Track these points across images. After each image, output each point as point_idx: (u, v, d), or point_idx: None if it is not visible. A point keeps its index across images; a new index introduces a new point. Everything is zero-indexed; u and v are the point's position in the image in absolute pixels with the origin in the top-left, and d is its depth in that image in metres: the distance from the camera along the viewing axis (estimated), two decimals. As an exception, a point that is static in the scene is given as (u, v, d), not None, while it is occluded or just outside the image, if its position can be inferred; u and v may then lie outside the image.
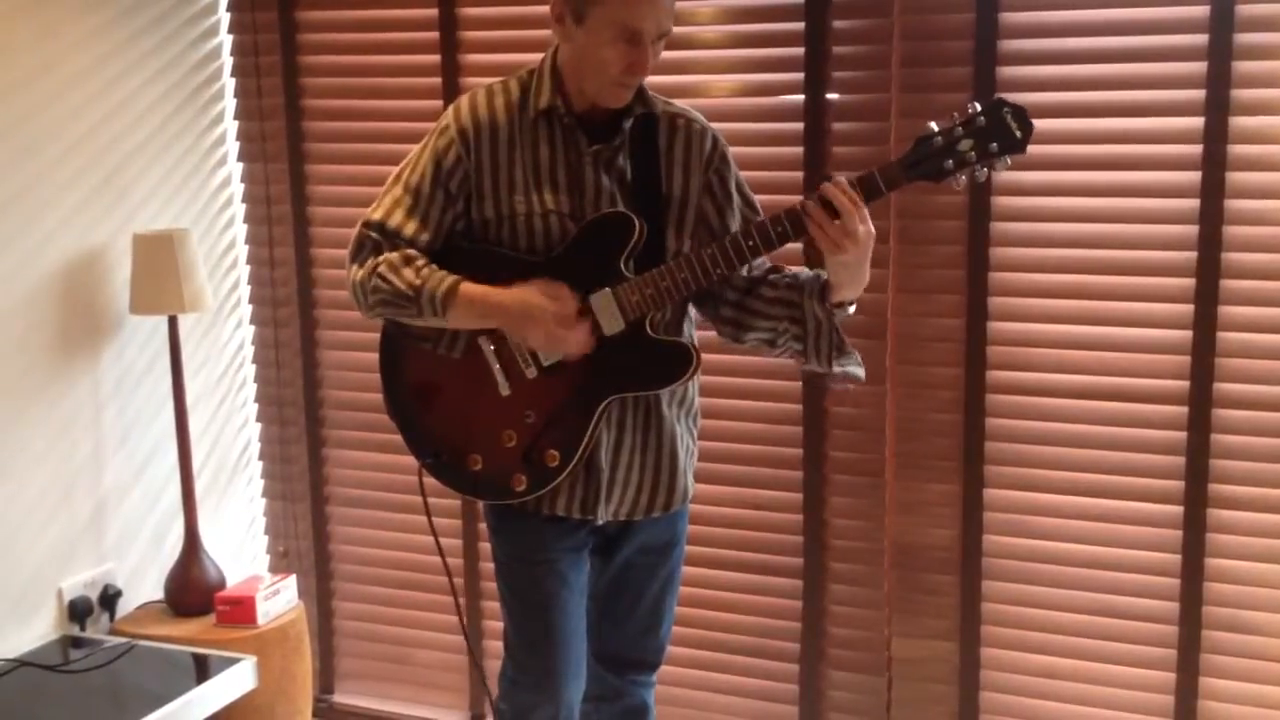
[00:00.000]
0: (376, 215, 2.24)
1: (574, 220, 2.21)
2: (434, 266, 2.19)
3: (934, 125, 2.11)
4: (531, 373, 2.24)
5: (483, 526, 3.29)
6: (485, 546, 3.31)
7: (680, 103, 2.31)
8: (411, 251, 2.21)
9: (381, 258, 2.21)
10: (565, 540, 2.34)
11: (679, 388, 2.30)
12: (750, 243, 2.15)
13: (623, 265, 2.18)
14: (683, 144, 2.25)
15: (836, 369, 2.24)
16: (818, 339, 2.23)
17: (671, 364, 2.22)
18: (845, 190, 2.08)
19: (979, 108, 2.09)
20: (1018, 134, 2.08)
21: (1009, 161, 2.11)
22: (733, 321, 2.32)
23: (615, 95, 2.17)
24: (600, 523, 2.33)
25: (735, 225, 2.28)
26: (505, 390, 2.26)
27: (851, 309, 2.22)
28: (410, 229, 2.22)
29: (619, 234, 2.18)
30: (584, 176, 2.21)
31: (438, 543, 2.47)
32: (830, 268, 2.15)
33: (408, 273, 2.18)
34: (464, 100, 2.25)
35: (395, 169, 2.29)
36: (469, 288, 2.16)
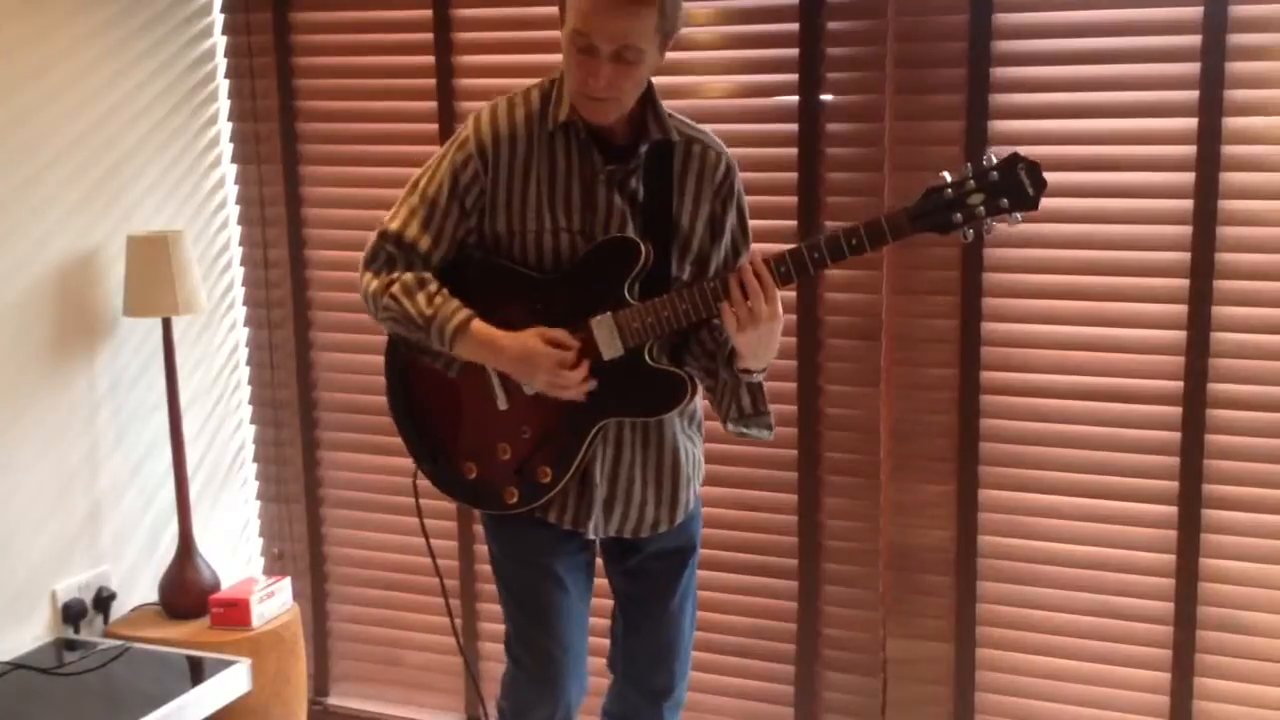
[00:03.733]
0: (393, 226, 2.24)
1: (584, 237, 2.21)
2: (446, 294, 2.20)
3: (947, 175, 2.09)
4: (530, 389, 2.24)
5: (479, 529, 3.29)
6: (481, 549, 3.31)
7: (673, 105, 2.31)
8: (426, 275, 2.22)
9: (396, 276, 2.21)
10: (561, 545, 2.35)
11: (673, 416, 2.30)
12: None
13: (627, 290, 2.18)
14: (696, 171, 2.25)
15: (730, 428, 2.31)
16: (722, 397, 2.30)
17: (667, 392, 2.23)
18: (759, 273, 2.10)
19: (993, 160, 2.07)
20: (1030, 191, 2.06)
21: (1019, 217, 2.09)
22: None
23: (586, 109, 2.15)
24: (591, 537, 2.33)
25: (718, 259, 2.29)
26: (503, 404, 2.27)
27: (760, 377, 2.24)
28: (425, 243, 2.23)
29: (626, 259, 2.18)
30: (596, 194, 2.20)
31: (429, 547, 2.49)
32: (733, 339, 2.16)
33: (421, 299, 2.19)
34: (485, 111, 2.24)
35: (413, 175, 2.28)
36: (478, 327, 2.18)
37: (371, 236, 2.27)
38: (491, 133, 2.21)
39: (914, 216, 2.10)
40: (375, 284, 2.23)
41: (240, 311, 3.54)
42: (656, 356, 2.24)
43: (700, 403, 2.40)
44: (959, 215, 2.08)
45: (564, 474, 2.24)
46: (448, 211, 2.23)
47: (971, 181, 2.08)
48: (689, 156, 2.24)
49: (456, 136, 2.26)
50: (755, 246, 2.32)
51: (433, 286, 2.21)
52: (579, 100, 2.14)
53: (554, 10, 2.15)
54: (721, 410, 2.31)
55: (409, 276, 2.21)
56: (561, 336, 2.17)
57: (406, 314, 2.20)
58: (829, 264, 2.13)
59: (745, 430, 2.30)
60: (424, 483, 2.39)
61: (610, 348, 2.18)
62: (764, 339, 2.14)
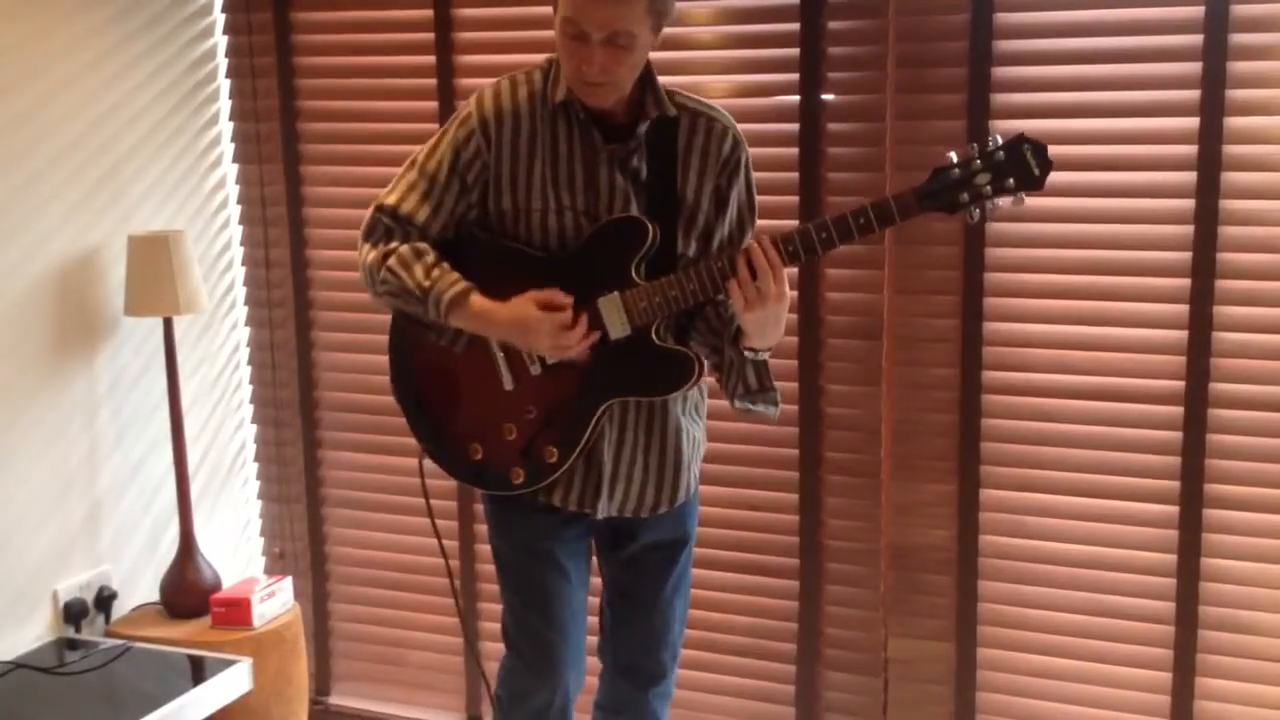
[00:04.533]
0: (390, 199, 2.25)
1: (589, 217, 2.21)
2: (445, 266, 2.20)
3: (953, 156, 2.11)
4: (535, 369, 2.25)
5: (480, 528, 3.29)
6: (481, 548, 3.31)
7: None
8: (422, 245, 2.21)
9: (394, 247, 2.21)
10: (562, 530, 2.35)
11: (679, 395, 2.31)
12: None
13: (633, 270, 2.18)
14: (700, 146, 2.24)
15: (737, 404, 2.31)
16: (728, 374, 2.30)
17: (674, 371, 2.23)
18: (767, 252, 2.11)
19: (999, 141, 2.09)
20: (1036, 171, 2.08)
21: (1024, 198, 2.10)
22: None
23: (582, 93, 2.15)
24: (599, 517, 2.33)
25: (722, 233, 2.29)
26: (509, 384, 2.27)
27: (765, 355, 2.25)
28: (422, 216, 2.22)
29: (633, 238, 2.18)
30: (598, 174, 2.21)
31: (435, 528, 2.48)
32: (740, 318, 2.17)
33: (418, 270, 2.19)
34: (487, 90, 2.24)
35: (412, 153, 2.28)
36: (474, 300, 2.18)
37: (368, 211, 2.27)
38: (494, 109, 2.21)
39: (921, 196, 2.11)
40: (373, 255, 2.23)
41: (241, 311, 3.54)
42: (663, 336, 2.24)
43: (704, 387, 2.40)
44: (965, 195, 2.10)
45: (570, 454, 2.24)
46: (448, 186, 2.23)
47: (978, 161, 2.09)
48: (694, 131, 2.24)
49: (458, 114, 2.26)
50: (773, 235, 2.30)
51: (430, 258, 2.20)
52: (575, 85, 2.15)
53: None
54: (728, 388, 2.31)
55: (405, 248, 2.20)
56: (552, 296, 2.16)
57: (404, 286, 2.19)
58: (837, 243, 2.13)
59: (752, 406, 2.30)
60: (431, 472, 2.38)
61: (618, 328, 2.18)
62: (771, 318, 2.15)
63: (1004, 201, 2.11)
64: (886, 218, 2.11)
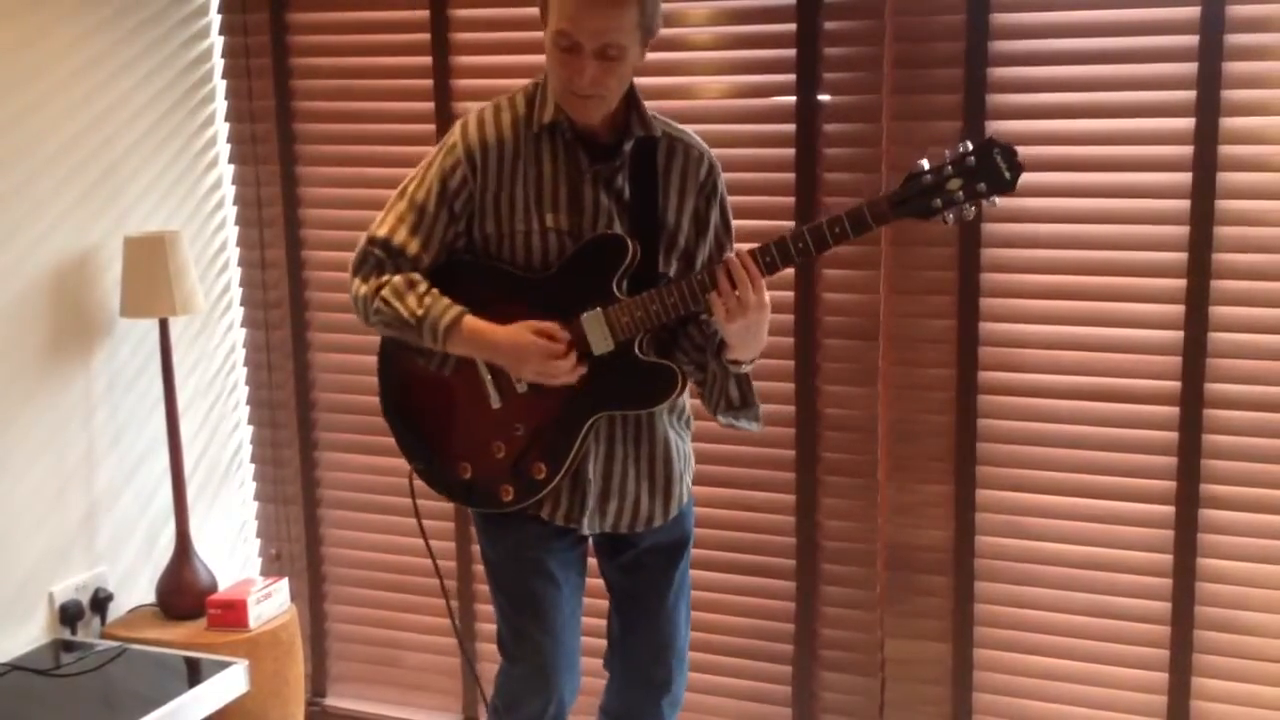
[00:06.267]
0: (381, 232, 2.26)
1: (573, 238, 2.23)
2: (436, 293, 2.22)
3: (925, 163, 2.14)
4: (522, 387, 2.26)
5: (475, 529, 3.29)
6: (478, 549, 3.31)
7: (670, 105, 2.33)
8: (415, 276, 2.24)
9: (386, 279, 2.24)
10: (552, 540, 2.36)
11: (663, 409, 2.32)
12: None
13: (615, 286, 2.21)
14: (679, 168, 2.28)
15: (721, 419, 2.34)
16: (711, 388, 2.33)
17: (657, 385, 2.25)
18: (746, 264, 2.13)
19: (970, 147, 2.12)
20: (1006, 175, 2.12)
21: (996, 201, 2.14)
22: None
23: (572, 106, 2.18)
24: (585, 533, 2.34)
25: (703, 255, 2.32)
26: (496, 403, 2.29)
27: (748, 368, 2.28)
28: (413, 247, 2.25)
29: (614, 255, 2.21)
30: (583, 194, 2.23)
31: (428, 546, 2.49)
32: (723, 330, 2.20)
33: (411, 300, 2.21)
34: (472, 118, 2.27)
35: (402, 181, 2.30)
36: (469, 323, 2.20)
37: (359, 242, 2.29)
38: (479, 138, 2.23)
39: (895, 203, 2.14)
40: (365, 289, 2.26)
41: (237, 312, 3.54)
42: (646, 351, 2.26)
43: (688, 399, 2.42)
44: (938, 200, 2.13)
45: (559, 470, 2.26)
46: (437, 216, 2.25)
47: (949, 167, 2.13)
48: (672, 154, 2.28)
49: (444, 143, 2.28)
50: (751, 247, 2.32)
51: (422, 287, 2.23)
52: (565, 99, 2.17)
53: (553, 12, 2.15)
54: (711, 402, 2.34)
55: (398, 279, 2.23)
56: (551, 328, 2.19)
57: (398, 316, 2.21)
58: (814, 253, 2.17)
59: (735, 422, 2.34)
60: (420, 483, 2.40)
61: (601, 343, 2.20)
62: (752, 329, 2.17)
63: (975, 205, 2.14)
64: (861, 226, 2.14)
